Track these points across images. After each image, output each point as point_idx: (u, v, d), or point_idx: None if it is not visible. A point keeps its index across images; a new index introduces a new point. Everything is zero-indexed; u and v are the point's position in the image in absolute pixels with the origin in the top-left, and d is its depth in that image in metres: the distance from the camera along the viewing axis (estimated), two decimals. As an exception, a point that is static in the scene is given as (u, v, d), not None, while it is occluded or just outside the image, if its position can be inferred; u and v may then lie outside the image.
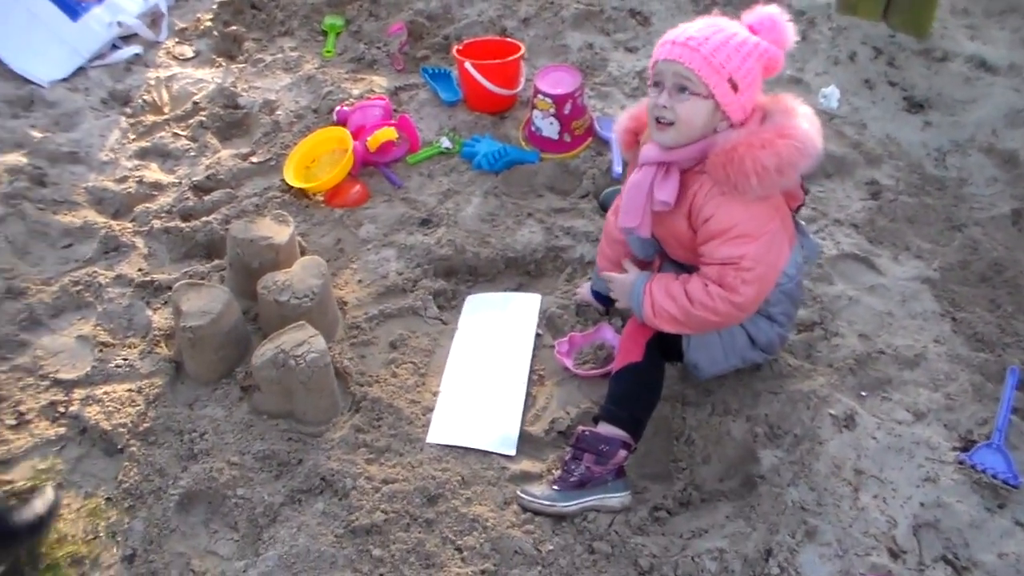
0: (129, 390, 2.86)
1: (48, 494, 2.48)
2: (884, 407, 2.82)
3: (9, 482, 2.62)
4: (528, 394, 2.93)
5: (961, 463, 2.63)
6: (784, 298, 2.69)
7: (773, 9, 2.42)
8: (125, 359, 2.96)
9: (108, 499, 2.60)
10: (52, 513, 2.46)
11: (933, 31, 4.49)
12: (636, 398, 2.66)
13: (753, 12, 2.43)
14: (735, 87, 2.33)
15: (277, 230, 3.10)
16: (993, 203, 3.68)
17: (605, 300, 2.98)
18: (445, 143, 3.87)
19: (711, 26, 2.37)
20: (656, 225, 2.55)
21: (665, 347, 2.68)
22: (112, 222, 3.49)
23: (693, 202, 2.45)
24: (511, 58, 3.95)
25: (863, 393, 2.86)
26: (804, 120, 2.35)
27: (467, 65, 3.88)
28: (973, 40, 4.54)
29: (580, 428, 2.65)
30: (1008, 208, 3.62)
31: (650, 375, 2.69)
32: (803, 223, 2.71)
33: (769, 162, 2.27)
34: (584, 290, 3.14)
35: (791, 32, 2.42)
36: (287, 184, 3.64)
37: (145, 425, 2.76)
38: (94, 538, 2.52)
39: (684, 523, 2.54)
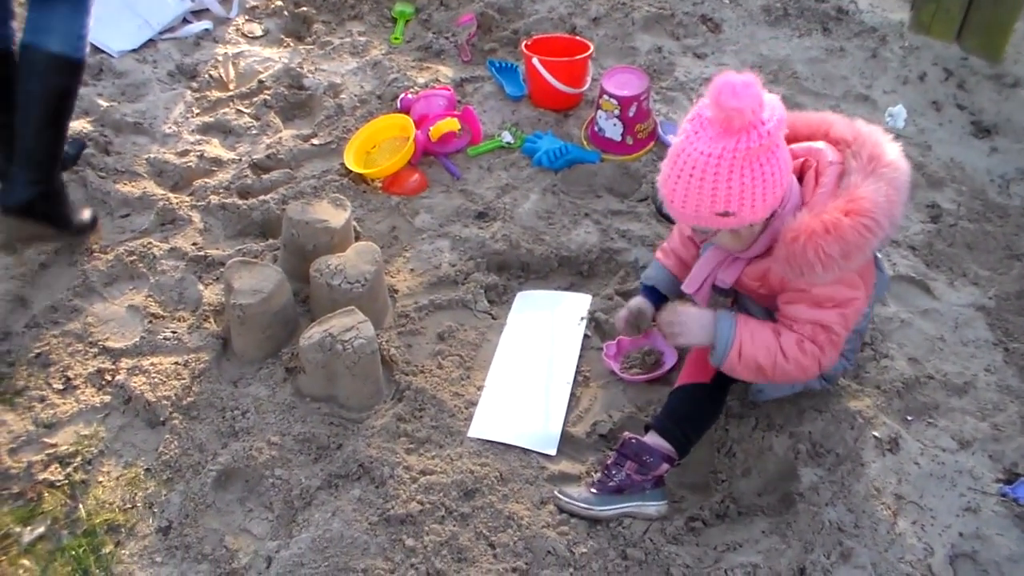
0: (175, 363, 2.88)
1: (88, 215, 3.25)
2: (929, 433, 2.76)
3: (53, 446, 2.65)
4: (572, 395, 2.91)
5: (1004, 496, 2.58)
6: (855, 336, 2.68)
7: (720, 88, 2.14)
8: (174, 332, 2.98)
9: (147, 470, 2.62)
10: (95, 223, 3.28)
11: (1007, 56, 4.40)
12: (693, 418, 2.63)
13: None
14: (728, 214, 2.19)
15: (333, 213, 3.09)
16: (1056, 234, 3.59)
17: (658, 297, 2.84)
18: (507, 137, 3.85)
19: (681, 175, 2.19)
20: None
21: None
22: (170, 194, 3.51)
23: (767, 279, 2.43)
24: (579, 57, 3.93)
25: (909, 417, 2.80)
26: (883, 180, 2.19)
27: (535, 61, 3.86)
28: (1049, 67, 4.45)
29: (627, 435, 2.61)
30: (1071, 240, 3.54)
31: (713, 399, 2.66)
32: (879, 257, 2.64)
33: (833, 249, 2.15)
34: (628, 314, 2.87)
35: (741, 92, 2.10)
36: (346, 168, 3.64)
37: (189, 399, 2.78)
38: (131, 507, 2.55)
39: (719, 535, 2.51)
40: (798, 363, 2.36)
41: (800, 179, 2.34)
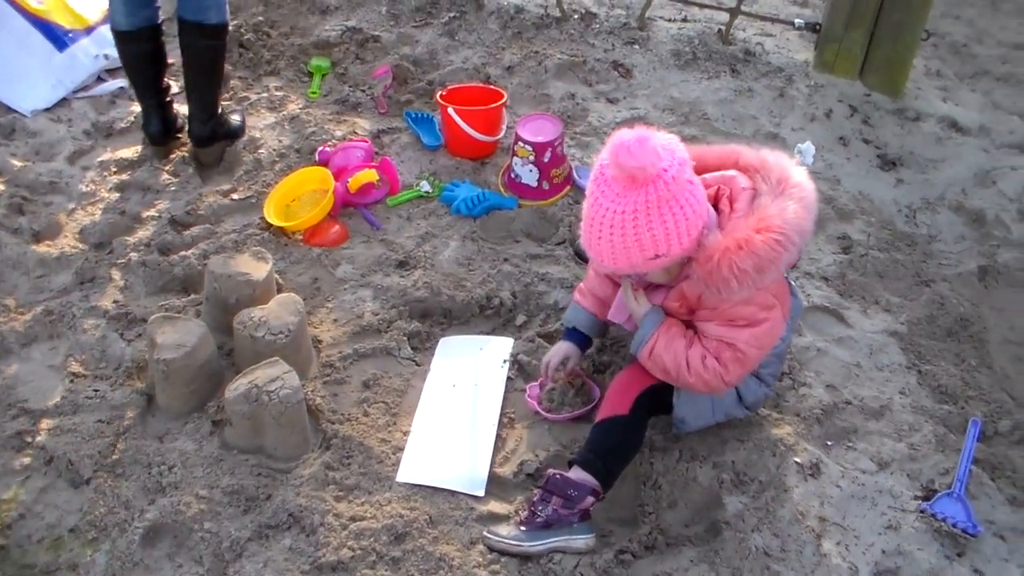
0: (99, 421, 2.85)
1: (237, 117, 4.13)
2: (849, 456, 2.85)
3: (-27, 510, 2.61)
4: (498, 436, 2.93)
5: (922, 512, 2.67)
6: (774, 360, 2.76)
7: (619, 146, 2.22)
8: (96, 391, 2.95)
9: (71, 531, 2.58)
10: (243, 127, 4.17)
11: (907, 91, 4.59)
12: (614, 451, 2.67)
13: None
14: (658, 256, 2.30)
15: (255, 266, 3.11)
16: (960, 260, 3.75)
17: (581, 338, 2.95)
18: (425, 187, 3.90)
19: (603, 234, 2.29)
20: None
21: (654, 402, 2.71)
22: (89, 253, 3.49)
23: (687, 299, 2.54)
24: (493, 105, 4.00)
25: (829, 442, 2.89)
26: (791, 199, 2.31)
27: (450, 111, 3.92)
28: (945, 101, 4.65)
29: (550, 471, 2.65)
30: (975, 265, 3.70)
31: (633, 430, 2.71)
32: (793, 283, 2.76)
33: (747, 264, 2.24)
34: (554, 358, 2.94)
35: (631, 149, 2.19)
36: (267, 222, 3.65)
37: (113, 457, 2.75)
38: (55, 571, 2.50)
39: (648, 567, 2.54)
40: (699, 377, 2.48)
41: (716, 206, 2.43)
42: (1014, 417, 3.06)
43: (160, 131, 3.98)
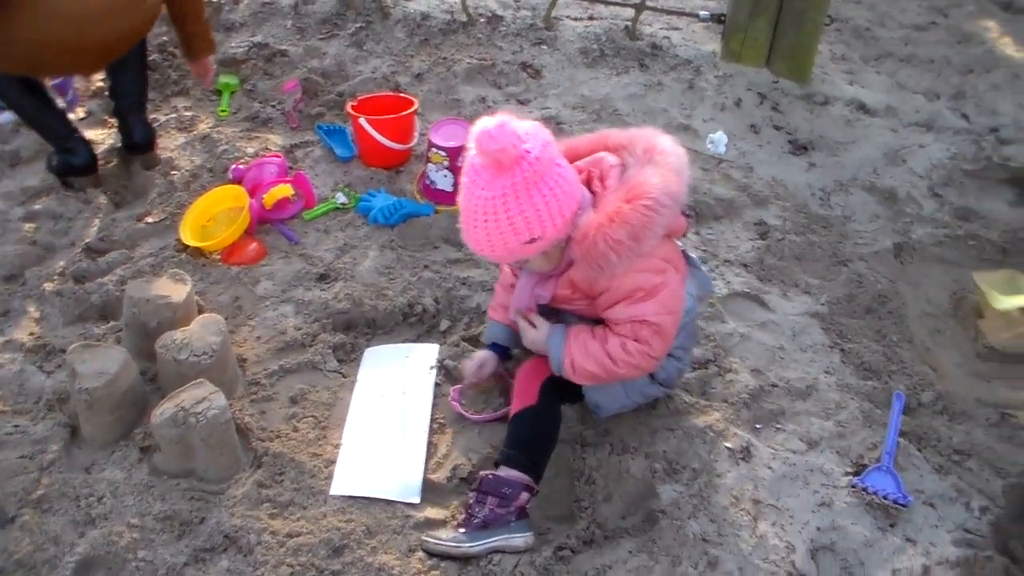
0: (21, 457, 2.79)
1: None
2: (778, 438, 2.90)
3: None
4: (429, 442, 2.93)
5: (854, 487, 2.73)
6: (684, 334, 2.76)
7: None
8: (16, 426, 2.89)
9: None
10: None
11: (814, 76, 4.68)
12: (533, 442, 2.69)
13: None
14: (534, 239, 2.34)
15: (174, 289, 3.08)
16: (875, 238, 3.84)
17: (503, 350, 2.99)
18: (341, 199, 3.89)
19: (477, 222, 2.34)
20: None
21: (562, 389, 2.73)
22: (2, 286, 3.42)
23: (578, 286, 2.56)
24: (404, 113, 4.01)
25: (758, 425, 2.94)
26: (657, 166, 2.36)
27: (361, 121, 3.92)
28: (852, 84, 4.76)
29: (482, 472, 2.67)
30: (890, 243, 3.80)
31: (546, 418, 2.73)
32: (693, 256, 2.78)
33: (620, 234, 2.28)
34: (471, 363, 2.99)
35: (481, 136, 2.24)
36: (183, 243, 3.61)
37: (38, 492, 2.69)
38: (-17, 613, 2.45)
39: (588, 561, 2.56)
40: (628, 364, 2.50)
41: (590, 188, 2.48)
42: (936, 388, 3.14)
43: (90, 158, 3.93)
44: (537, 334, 2.67)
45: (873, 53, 5.20)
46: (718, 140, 4.27)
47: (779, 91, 4.60)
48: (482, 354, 2.97)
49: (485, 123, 2.25)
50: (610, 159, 2.49)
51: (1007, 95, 4.89)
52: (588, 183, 2.49)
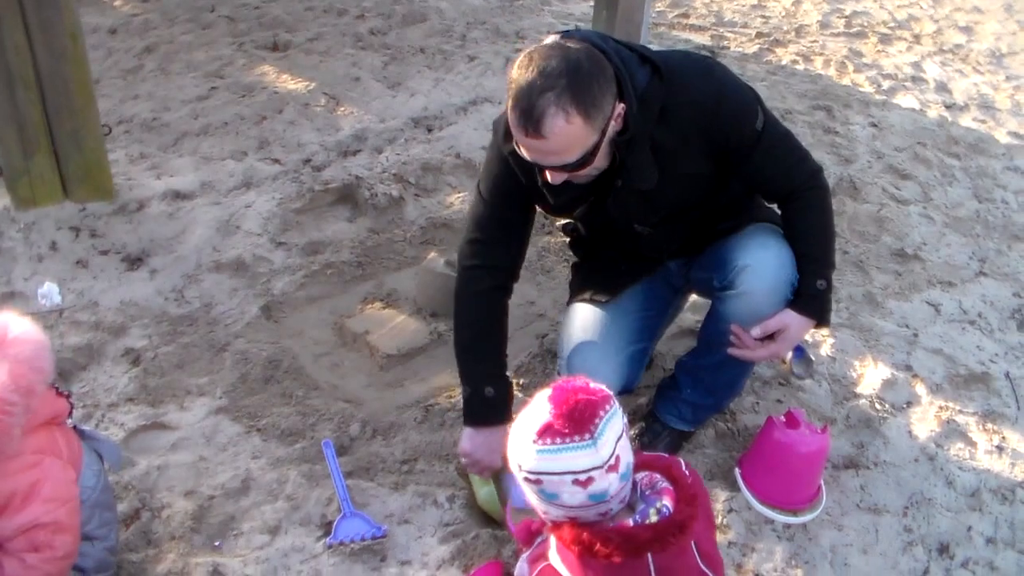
0: None
1: None
2: (241, 542, 2.77)
3: None
4: None
5: (330, 546, 2.71)
6: (94, 511, 2.48)
7: None
8: None
9: None
10: None
11: (119, 187, 4.48)
12: None
13: None
14: None
15: None
16: (242, 311, 3.80)
17: None
18: None
19: None
20: None
21: None
22: None
23: None
24: None
25: (216, 543, 2.77)
26: (6, 361, 2.11)
27: None
28: (160, 178, 4.63)
29: None
30: (256, 308, 3.79)
31: None
32: (88, 429, 2.58)
33: None
34: None
35: None
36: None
37: None
38: None
39: None
40: None
41: None
42: (359, 418, 3.21)
43: None
44: None
45: (169, 140, 5.11)
46: (49, 292, 3.91)
47: (91, 216, 4.31)
48: None
49: None
50: None
51: (304, 126, 5.10)
52: None
